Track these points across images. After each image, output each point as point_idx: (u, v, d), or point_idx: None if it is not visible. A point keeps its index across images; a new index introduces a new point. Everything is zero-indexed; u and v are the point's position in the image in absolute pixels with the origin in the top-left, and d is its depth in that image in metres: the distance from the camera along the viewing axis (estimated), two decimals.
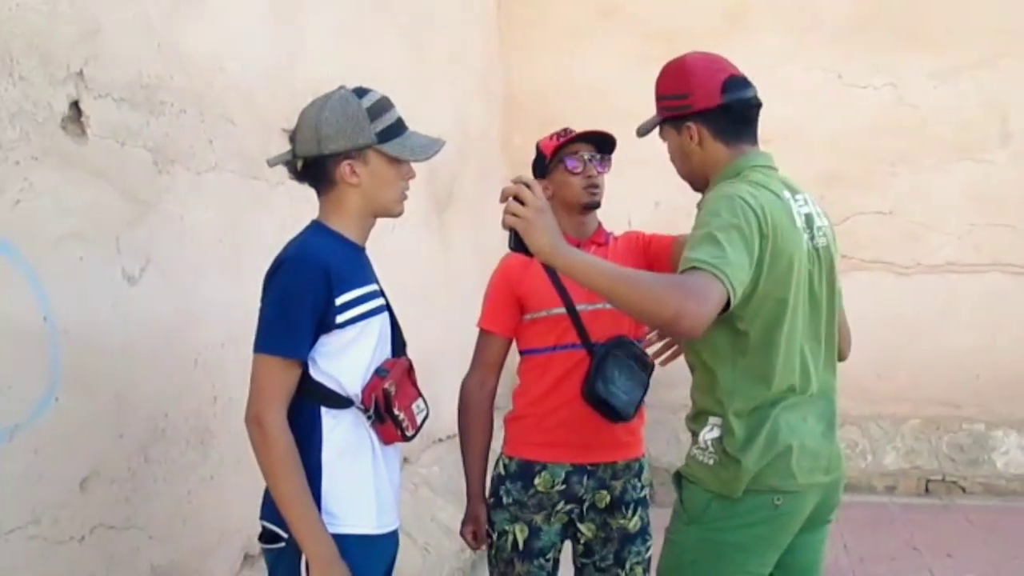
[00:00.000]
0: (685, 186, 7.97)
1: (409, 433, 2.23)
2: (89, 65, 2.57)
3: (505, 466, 2.92)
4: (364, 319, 2.17)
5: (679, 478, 2.44)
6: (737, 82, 2.42)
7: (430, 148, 2.25)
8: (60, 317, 2.45)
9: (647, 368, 2.86)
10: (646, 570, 2.95)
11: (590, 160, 2.93)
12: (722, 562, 2.29)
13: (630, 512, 2.89)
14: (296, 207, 3.67)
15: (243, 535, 3.34)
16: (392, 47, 4.74)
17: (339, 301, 2.13)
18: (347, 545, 2.14)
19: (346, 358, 2.17)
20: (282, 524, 2.16)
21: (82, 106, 2.55)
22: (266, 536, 2.21)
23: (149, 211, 2.83)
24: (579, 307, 2.84)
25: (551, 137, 3.00)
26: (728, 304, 2.08)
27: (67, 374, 2.48)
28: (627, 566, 2.88)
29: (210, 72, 3.16)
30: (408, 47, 4.95)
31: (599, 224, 3.02)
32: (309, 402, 2.16)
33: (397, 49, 4.80)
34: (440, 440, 5.26)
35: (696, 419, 2.39)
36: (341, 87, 2.29)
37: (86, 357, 2.56)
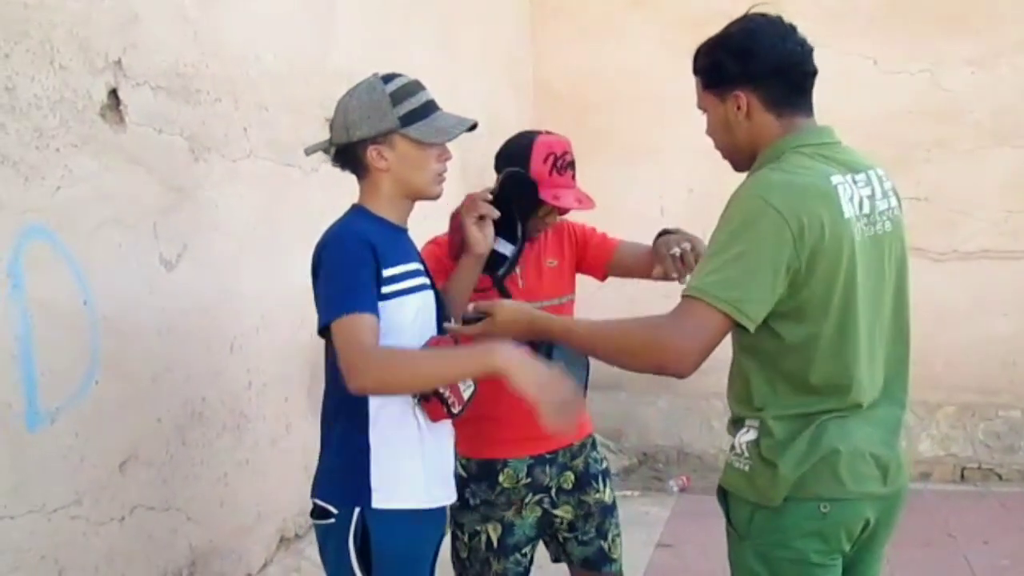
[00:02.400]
0: (719, 174, 7.90)
1: (455, 410, 2.24)
2: (127, 54, 2.62)
3: (464, 467, 2.82)
4: (405, 295, 2.19)
5: (722, 493, 2.19)
6: (794, 44, 2.15)
7: (454, 129, 2.24)
8: (99, 302, 2.50)
9: (583, 360, 2.84)
10: (621, 541, 2.95)
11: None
12: None
13: (600, 484, 2.89)
14: (330, 193, 3.70)
15: (278, 517, 3.39)
16: (424, 36, 4.77)
17: (385, 273, 2.16)
18: (396, 519, 2.16)
19: (388, 335, 2.16)
20: (332, 500, 2.20)
21: (120, 94, 2.60)
22: (317, 512, 2.25)
23: (185, 198, 2.87)
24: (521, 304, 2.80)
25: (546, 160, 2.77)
26: (743, 324, 1.95)
27: (106, 358, 2.53)
28: (609, 537, 2.89)
29: (245, 60, 3.20)
30: (439, 36, 4.97)
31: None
32: None
33: (429, 38, 4.83)
34: None
35: (734, 424, 2.19)
36: (373, 74, 2.30)
37: (124, 341, 2.61)
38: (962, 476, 6.26)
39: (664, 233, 2.80)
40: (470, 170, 5.30)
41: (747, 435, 2.10)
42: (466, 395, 2.23)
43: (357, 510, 2.15)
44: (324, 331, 2.14)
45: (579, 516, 2.86)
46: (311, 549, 3.49)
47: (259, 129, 3.28)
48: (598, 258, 2.92)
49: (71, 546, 2.40)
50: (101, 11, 2.52)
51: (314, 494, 2.27)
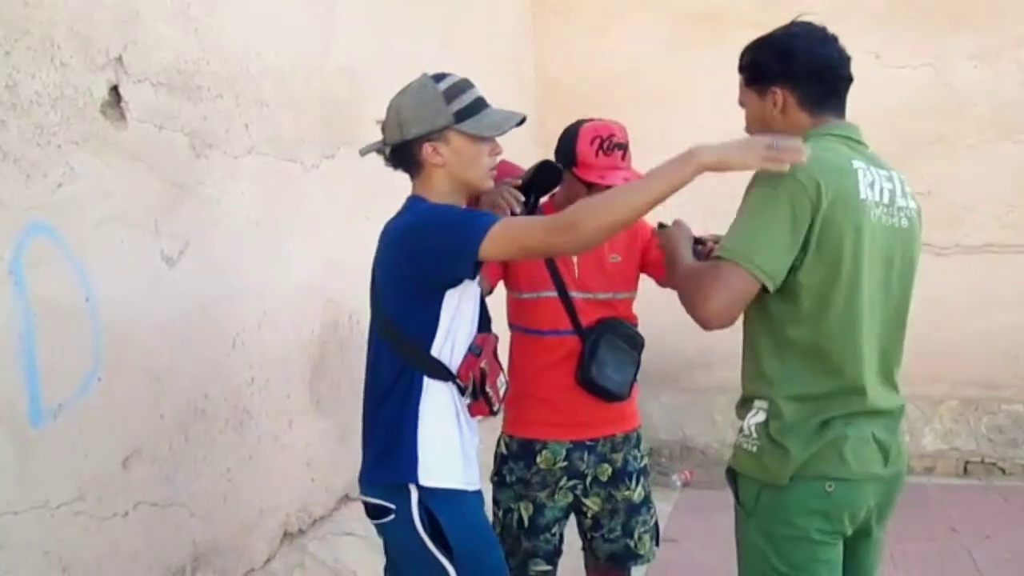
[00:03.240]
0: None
1: (496, 408, 2.31)
2: (128, 51, 2.62)
3: (507, 445, 2.94)
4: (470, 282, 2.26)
5: (731, 474, 2.30)
6: (832, 50, 2.32)
7: (505, 123, 2.30)
8: (101, 299, 2.51)
9: (637, 346, 2.88)
10: (652, 537, 3.00)
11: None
12: (787, 554, 2.16)
13: (633, 482, 2.93)
14: (331, 190, 3.73)
15: (281, 513, 3.40)
16: (425, 32, 4.76)
17: None
18: (445, 496, 2.22)
19: (456, 319, 2.24)
20: (386, 492, 2.23)
21: (121, 91, 2.60)
22: (374, 511, 2.27)
23: (187, 194, 2.88)
24: (572, 294, 2.85)
25: (592, 143, 2.86)
26: (766, 287, 2.08)
27: (109, 355, 2.54)
28: (635, 535, 2.93)
29: (246, 57, 3.20)
30: (441, 33, 4.96)
31: None
32: (416, 369, 2.23)
33: (430, 34, 4.82)
34: None
35: (743, 405, 2.29)
36: (423, 74, 2.36)
37: (127, 338, 2.61)
38: (965, 470, 6.26)
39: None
40: None
41: (756, 417, 2.21)
42: (501, 392, 2.32)
43: (415, 496, 2.19)
44: (476, 265, 2.15)
45: (605, 511, 2.89)
46: (314, 544, 3.51)
47: (260, 126, 3.28)
48: (660, 260, 2.92)
49: (74, 542, 2.41)
50: (102, 8, 2.52)
51: (363, 490, 2.30)
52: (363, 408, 2.38)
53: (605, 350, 2.81)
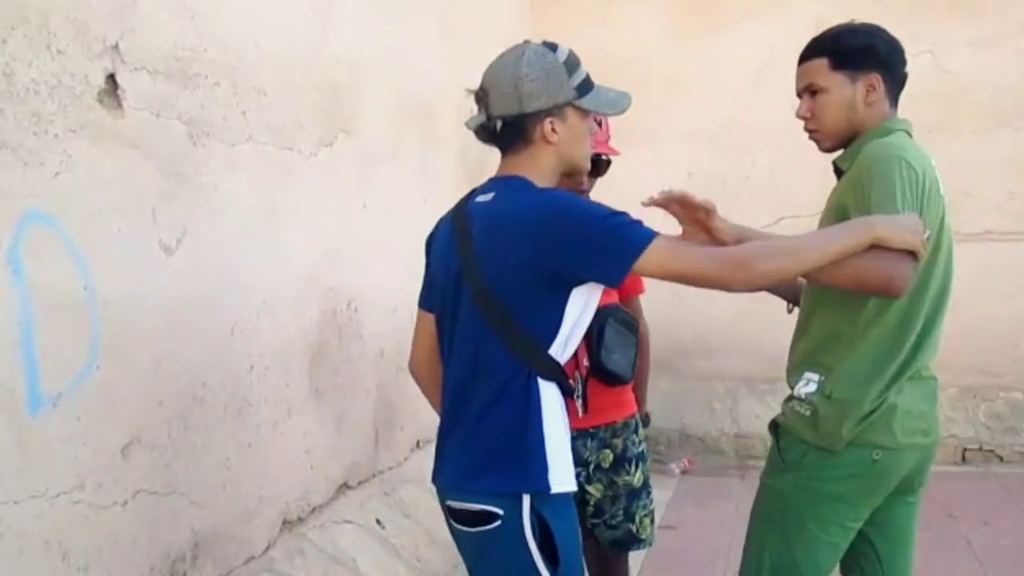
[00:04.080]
0: (718, 157, 7.90)
1: (581, 412, 2.32)
2: (125, 38, 2.61)
3: None
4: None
5: (775, 427, 2.43)
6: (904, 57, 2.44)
7: (621, 101, 2.15)
8: (100, 287, 2.50)
9: (634, 330, 2.89)
10: (652, 521, 3.02)
11: None
12: (817, 511, 2.31)
13: (633, 468, 2.94)
14: (329, 178, 3.73)
15: (281, 501, 3.40)
16: (423, 20, 4.75)
17: None
18: (559, 502, 2.06)
19: (578, 326, 2.10)
20: (495, 500, 2.02)
21: (118, 79, 2.59)
22: (473, 519, 2.05)
23: (184, 183, 2.87)
24: None
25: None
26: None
27: (107, 343, 2.53)
28: (637, 519, 2.95)
29: (243, 45, 3.19)
30: (439, 22, 4.95)
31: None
32: (533, 369, 2.04)
33: (428, 22, 4.81)
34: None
35: (794, 372, 2.40)
36: (527, 41, 2.14)
37: (125, 326, 2.61)
38: (963, 457, 6.27)
39: None
40: (470, 154, 5.30)
41: (807, 387, 2.34)
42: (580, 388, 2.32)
43: (528, 503, 2.00)
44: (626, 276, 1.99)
45: (607, 497, 2.90)
46: (313, 532, 3.52)
47: (258, 114, 3.27)
48: (624, 287, 2.95)
49: (74, 530, 2.41)
50: None
51: (462, 495, 2.07)
52: (452, 412, 2.14)
53: (610, 335, 2.81)
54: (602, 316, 2.79)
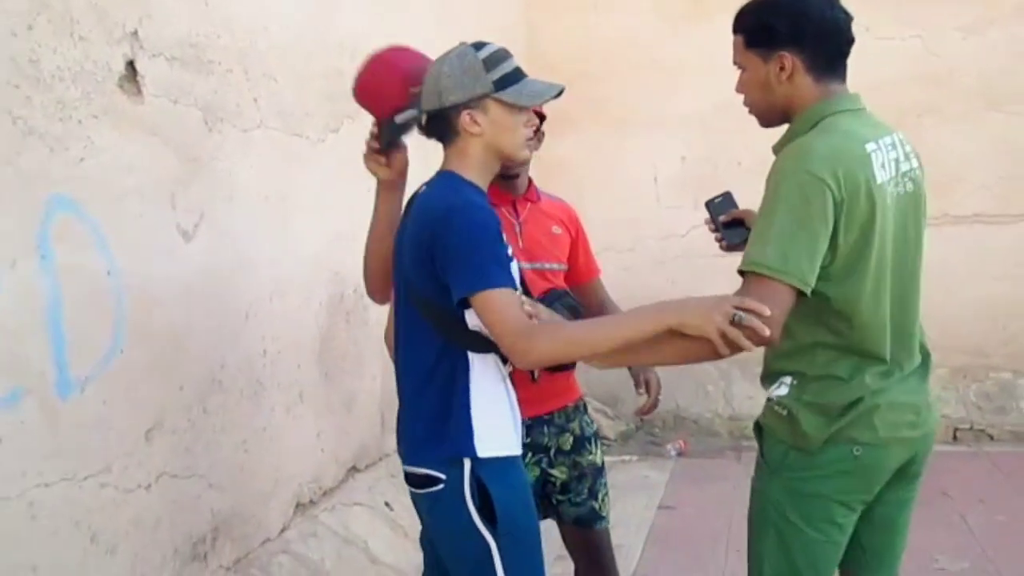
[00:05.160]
0: (711, 142, 7.93)
1: (536, 376, 2.38)
2: (143, 25, 2.63)
3: None
4: (511, 261, 2.23)
5: (759, 428, 2.35)
6: (839, 12, 2.22)
7: (546, 93, 2.28)
8: (122, 272, 2.53)
9: (580, 316, 2.91)
10: (609, 498, 3.03)
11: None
12: (806, 512, 2.22)
13: (593, 446, 2.98)
14: (336, 163, 3.75)
15: (294, 483, 3.44)
16: (422, 8, 4.77)
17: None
18: (497, 466, 2.21)
19: None
20: (438, 462, 2.19)
21: (137, 65, 2.61)
22: (419, 480, 2.23)
23: (201, 168, 2.90)
24: (524, 265, 2.81)
25: None
26: (802, 292, 2.05)
27: (130, 327, 2.56)
28: (599, 497, 2.98)
29: (253, 31, 3.21)
30: (436, 7, 4.97)
31: (530, 180, 3.01)
32: (458, 343, 2.20)
33: (427, 10, 4.83)
34: None
35: (768, 378, 2.32)
36: (461, 43, 2.29)
37: (147, 311, 2.63)
38: (955, 437, 6.36)
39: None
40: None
41: (779, 390, 2.23)
42: None
43: (468, 467, 2.16)
44: (462, 301, 2.11)
45: (572, 477, 2.93)
46: (325, 515, 3.56)
47: (268, 100, 3.30)
48: (576, 273, 3.01)
49: (102, 512, 2.44)
50: None
51: (412, 462, 2.25)
52: (400, 385, 2.31)
53: (555, 303, 2.82)
54: (547, 299, 2.81)
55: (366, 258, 2.50)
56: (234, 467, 3.03)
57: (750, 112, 2.34)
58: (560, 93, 2.28)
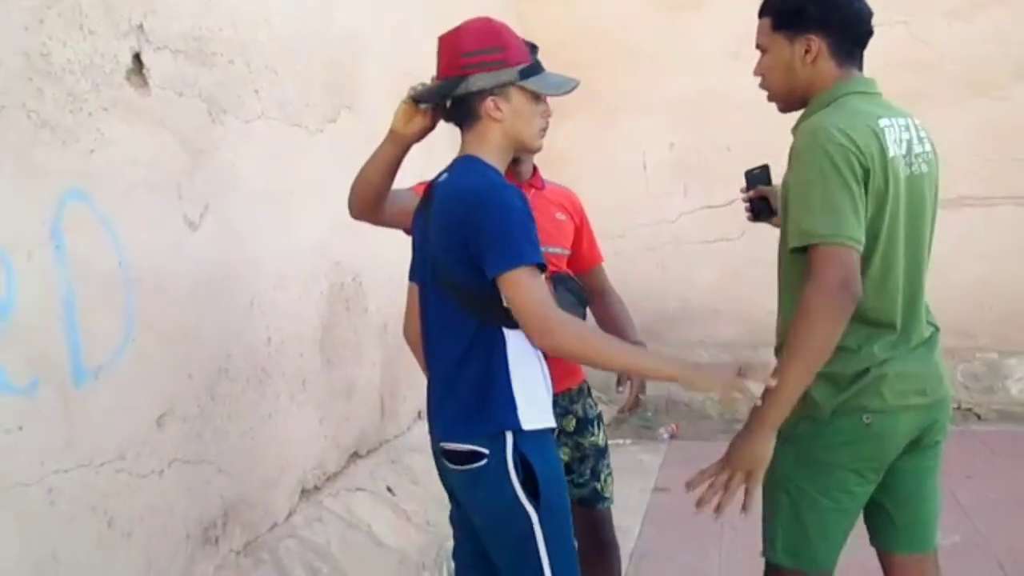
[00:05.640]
0: (700, 128, 7.94)
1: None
2: (148, 18, 2.67)
3: None
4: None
5: None
6: (864, 5, 2.34)
7: (566, 84, 2.36)
8: (132, 262, 2.57)
9: (584, 302, 2.98)
10: (612, 480, 3.09)
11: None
12: (819, 480, 2.30)
13: (596, 428, 3.04)
14: (334, 154, 3.78)
15: (299, 470, 3.49)
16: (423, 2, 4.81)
17: None
18: (537, 439, 2.27)
19: None
20: (481, 438, 2.24)
21: (143, 58, 2.65)
22: (462, 457, 2.27)
23: (206, 159, 2.93)
24: None
25: None
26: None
27: (141, 317, 2.60)
28: (602, 478, 3.04)
29: (254, 23, 3.25)
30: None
31: (535, 168, 3.07)
32: (494, 322, 2.25)
33: (429, 3, 4.86)
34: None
35: (780, 349, 2.35)
36: None
37: (156, 300, 2.68)
38: None
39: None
40: (454, 131, 5.35)
41: None
42: None
43: (511, 442, 2.22)
44: (494, 280, 2.17)
45: (575, 458, 2.99)
46: (329, 500, 3.61)
47: (269, 91, 3.33)
48: (579, 259, 3.08)
49: (117, 498, 2.49)
50: None
51: (452, 439, 2.30)
52: (434, 369, 2.38)
53: (560, 303, 2.88)
54: (552, 282, 2.88)
55: (355, 184, 2.63)
56: (242, 453, 3.08)
57: (769, 97, 2.43)
58: (576, 87, 2.37)
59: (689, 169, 6.94)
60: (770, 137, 6.20)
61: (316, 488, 3.60)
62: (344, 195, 3.85)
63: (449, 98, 2.32)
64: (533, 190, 2.95)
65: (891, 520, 2.43)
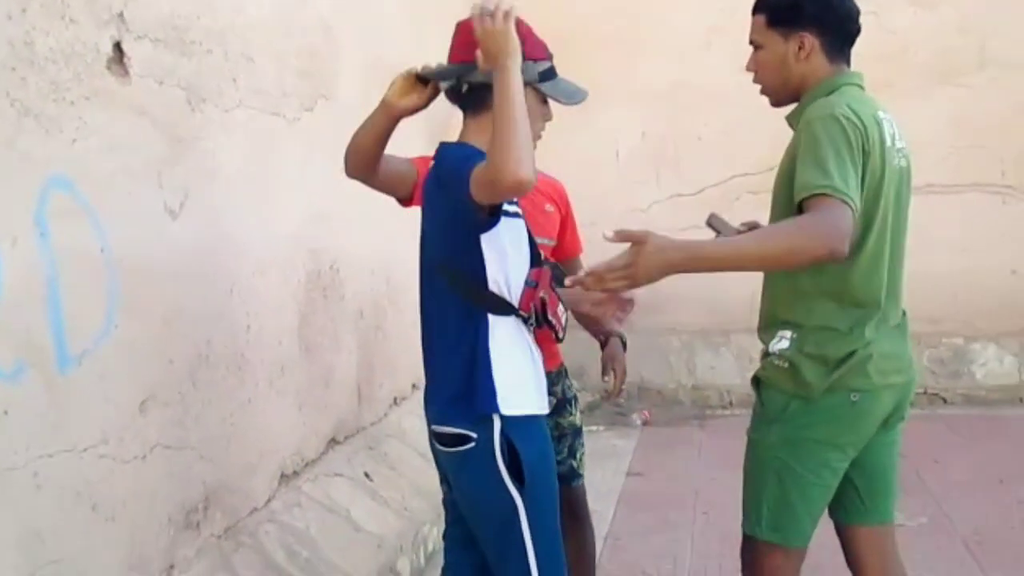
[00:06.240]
0: (672, 117, 7.99)
1: (561, 335, 2.46)
2: (128, 7, 2.68)
3: None
4: (511, 217, 2.34)
5: (757, 381, 2.52)
6: (854, 5, 2.44)
7: (577, 95, 2.43)
8: (114, 249, 2.59)
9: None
10: (585, 458, 3.19)
11: None
12: (805, 457, 2.39)
13: (573, 408, 3.14)
14: (311, 143, 3.82)
15: (278, 455, 3.52)
16: None
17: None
18: (524, 425, 2.33)
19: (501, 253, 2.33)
20: (468, 421, 2.30)
21: (124, 47, 2.66)
22: (450, 440, 2.34)
23: (185, 148, 2.95)
24: None
25: None
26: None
27: (123, 303, 2.62)
28: (577, 456, 3.14)
29: (232, 10, 3.26)
30: None
31: None
32: (479, 307, 2.31)
33: None
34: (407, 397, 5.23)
35: (767, 330, 2.48)
36: None
37: (138, 287, 2.70)
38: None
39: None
40: (435, 119, 5.37)
41: (780, 344, 2.42)
42: (563, 320, 2.44)
43: (498, 426, 2.28)
44: (483, 209, 2.23)
45: (554, 437, 3.05)
46: (308, 486, 3.65)
47: (246, 79, 3.35)
48: (562, 249, 3.16)
49: (102, 483, 2.51)
50: None
51: (442, 422, 2.37)
52: (430, 350, 2.44)
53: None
54: None
55: (349, 145, 2.68)
56: (222, 439, 3.11)
57: (761, 91, 2.52)
58: (585, 98, 2.44)
59: (661, 158, 7.02)
60: (740, 126, 6.33)
61: (295, 474, 3.64)
62: (321, 184, 3.92)
63: (462, 82, 2.34)
64: None
65: (857, 493, 2.53)
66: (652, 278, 2.14)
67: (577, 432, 3.13)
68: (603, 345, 3.17)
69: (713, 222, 2.65)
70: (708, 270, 2.21)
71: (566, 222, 3.16)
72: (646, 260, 2.11)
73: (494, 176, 2.12)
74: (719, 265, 2.22)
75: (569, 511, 3.11)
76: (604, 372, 3.15)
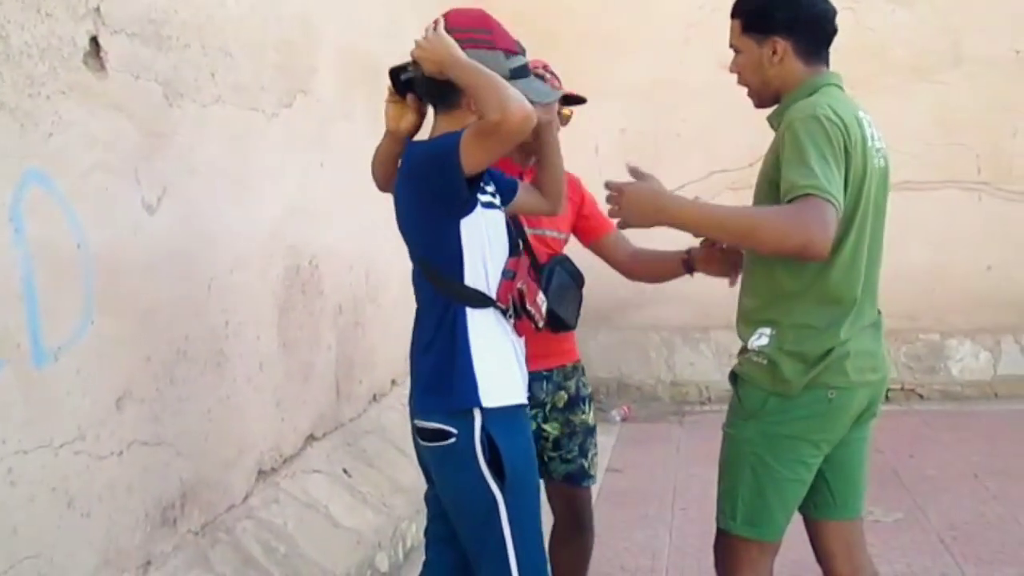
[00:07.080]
0: (652, 114, 8.01)
1: (540, 325, 2.48)
2: (105, 1, 2.66)
3: None
4: (487, 208, 2.36)
5: (735, 377, 2.55)
6: (828, 6, 2.47)
7: (549, 95, 2.49)
8: (91, 245, 2.58)
9: (580, 283, 3.05)
10: (597, 460, 3.20)
11: None
12: (780, 453, 2.43)
13: (587, 407, 3.13)
14: (289, 138, 3.81)
15: (256, 451, 3.52)
16: None
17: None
18: (505, 418, 2.33)
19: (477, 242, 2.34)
20: (448, 419, 2.31)
21: (100, 41, 2.65)
22: (430, 435, 2.35)
23: (163, 143, 2.94)
24: (526, 230, 2.97)
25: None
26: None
27: (100, 299, 2.61)
28: (588, 456, 3.13)
29: (209, 6, 3.25)
30: None
31: None
32: (456, 302, 2.33)
33: None
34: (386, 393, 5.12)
35: (745, 327, 2.51)
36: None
37: (115, 283, 2.69)
38: (886, 397, 6.59)
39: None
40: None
41: (759, 340, 2.45)
42: (543, 309, 2.46)
43: (478, 421, 2.28)
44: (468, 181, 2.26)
45: (564, 434, 3.06)
46: (286, 482, 3.64)
47: (224, 74, 3.33)
48: (588, 231, 3.17)
49: (78, 479, 2.50)
50: None
51: (422, 416, 2.38)
52: (414, 343, 2.46)
53: (558, 284, 2.96)
54: (550, 265, 2.96)
55: (371, 165, 2.64)
56: (200, 435, 3.10)
57: (748, 93, 2.56)
58: (557, 99, 2.49)
59: (640, 155, 6.98)
60: (719, 122, 6.35)
61: (273, 470, 3.63)
62: (299, 180, 3.93)
63: (427, 77, 2.34)
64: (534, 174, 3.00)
65: (828, 487, 2.56)
66: (643, 212, 2.39)
67: (589, 431, 3.12)
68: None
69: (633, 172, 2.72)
70: (692, 225, 2.38)
71: (582, 209, 3.16)
72: (638, 192, 2.40)
73: (500, 117, 2.13)
74: (702, 224, 2.38)
75: (574, 517, 3.13)
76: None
